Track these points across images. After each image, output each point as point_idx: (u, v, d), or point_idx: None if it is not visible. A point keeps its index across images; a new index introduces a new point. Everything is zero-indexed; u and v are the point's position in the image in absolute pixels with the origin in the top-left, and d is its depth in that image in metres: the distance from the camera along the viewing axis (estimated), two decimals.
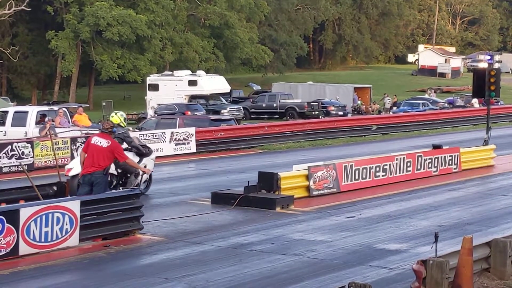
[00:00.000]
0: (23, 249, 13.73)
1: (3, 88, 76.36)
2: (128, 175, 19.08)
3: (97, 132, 17.53)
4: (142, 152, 19.79)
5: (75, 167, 18.89)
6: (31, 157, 25.94)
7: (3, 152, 25.34)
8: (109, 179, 18.84)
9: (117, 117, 19.22)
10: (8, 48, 65.69)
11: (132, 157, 19.17)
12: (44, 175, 22.80)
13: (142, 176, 19.43)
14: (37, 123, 31.37)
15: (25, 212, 13.73)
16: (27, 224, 13.70)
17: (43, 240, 14.00)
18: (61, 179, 16.82)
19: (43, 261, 13.72)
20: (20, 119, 31.63)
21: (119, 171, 18.96)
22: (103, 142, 16.03)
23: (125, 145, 19.15)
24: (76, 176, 18.47)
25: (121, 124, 19.29)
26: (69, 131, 29.52)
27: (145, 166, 19.50)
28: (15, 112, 32.77)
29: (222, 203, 19.19)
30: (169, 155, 29.92)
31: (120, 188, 18.84)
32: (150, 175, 20.22)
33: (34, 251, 13.93)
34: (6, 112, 32.90)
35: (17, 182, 20.56)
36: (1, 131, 31.49)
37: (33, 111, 32.53)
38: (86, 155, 16.16)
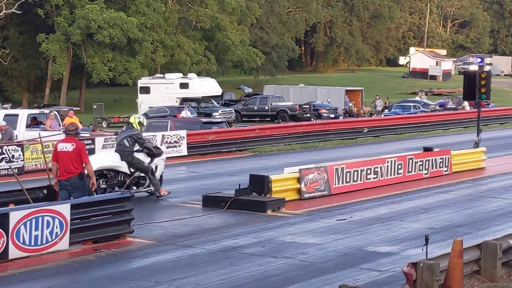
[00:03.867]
0: (13, 252, 13.68)
1: None
2: (142, 175, 20.05)
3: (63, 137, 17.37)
4: (154, 152, 20.50)
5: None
6: (21, 161, 25.87)
7: None
8: (121, 178, 19.90)
9: (133, 117, 20.57)
10: None
11: (143, 157, 20.16)
12: (34, 178, 22.74)
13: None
14: (27, 126, 31.29)
15: (15, 216, 13.68)
16: (17, 227, 13.64)
17: (33, 243, 13.94)
18: (51, 182, 16.74)
19: (33, 264, 13.66)
20: (10, 122, 31.47)
21: (132, 170, 19.91)
22: (68, 147, 16.07)
23: (137, 146, 20.08)
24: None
25: (134, 125, 20.23)
26: (59, 134, 29.42)
27: (156, 167, 20.49)
28: (5, 115, 32.63)
29: (213, 206, 19.16)
30: None
31: (134, 187, 19.88)
32: (161, 176, 21.07)
33: (24, 255, 13.87)
34: None
35: (7, 185, 20.48)
36: None
37: (23, 114, 32.44)
38: (57, 164, 16.17)
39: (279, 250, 14.93)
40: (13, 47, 72.23)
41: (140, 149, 20.18)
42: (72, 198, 15.76)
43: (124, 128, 21.02)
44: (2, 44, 72.07)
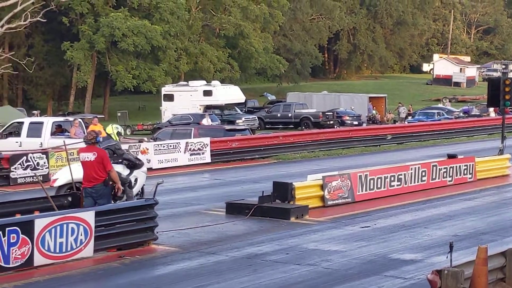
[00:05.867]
0: (38, 260, 13.76)
1: (18, 99, 76.74)
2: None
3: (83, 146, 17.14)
4: (134, 163, 19.08)
5: (60, 178, 18.90)
6: (46, 168, 26.04)
7: (18, 163, 25.47)
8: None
9: (110, 127, 19.56)
10: (23, 59, 65.88)
11: (122, 169, 18.67)
12: None
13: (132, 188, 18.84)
14: (52, 133, 31.50)
15: (40, 223, 13.77)
16: (42, 235, 13.73)
17: (57, 251, 14.03)
18: (76, 190, 16.83)
19: (58, 271, 13.74)
20: (35, 130, 31.76)
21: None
22: (90, 156, 16.03)
23: (116, 158, 18.68)
24: (63, 186, 18.60)
25: (113, 136, 19.23)
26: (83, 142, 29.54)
27: (135, 179, 19.08)
28: (31, 123, 32.91)
29: (236, 213, 19.19)
30: (184, 165, 29.99)
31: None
32: (142, 188, 19.63)
33: (49, 262, 13.95)
34: (22, 122, 33.06)
35: (32, 193, 20.61)
36: (17, 142, 31.64)
37: (48, 121, 32.65)
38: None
39: (302, 257, 14.92)
40: (38, 55, 72.79)
41: (120, 160, 18.82)
42: (97, 205, 15.82)
43: (101, 139, 19.20)
44: (27, 52, 72.63)
